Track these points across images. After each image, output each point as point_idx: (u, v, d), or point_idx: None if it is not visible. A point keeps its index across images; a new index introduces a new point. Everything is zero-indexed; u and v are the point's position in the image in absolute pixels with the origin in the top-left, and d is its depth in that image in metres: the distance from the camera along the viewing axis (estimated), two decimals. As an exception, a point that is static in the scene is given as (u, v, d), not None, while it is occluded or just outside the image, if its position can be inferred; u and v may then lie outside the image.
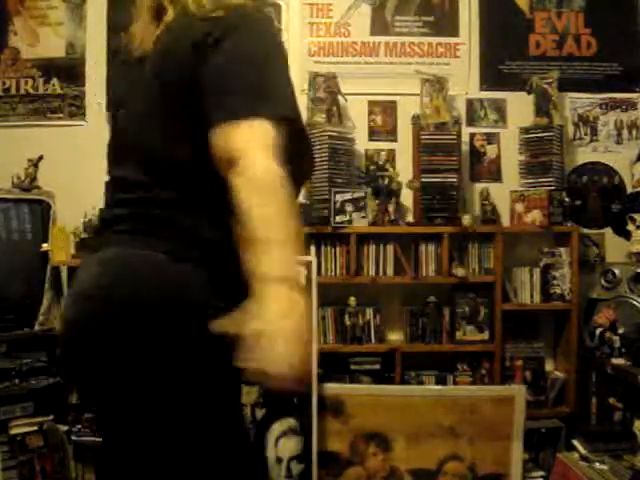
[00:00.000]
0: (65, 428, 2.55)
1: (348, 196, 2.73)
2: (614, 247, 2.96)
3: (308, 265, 2.36)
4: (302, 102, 2.85)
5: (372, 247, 2.77)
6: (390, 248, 2.77)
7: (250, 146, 0.93)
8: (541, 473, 2.60)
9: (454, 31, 3.00)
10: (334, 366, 2.70)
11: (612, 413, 2.57)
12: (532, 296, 2.80)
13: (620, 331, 2.56)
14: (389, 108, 2.99)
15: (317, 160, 2.76)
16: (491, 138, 3.01)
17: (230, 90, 0.98)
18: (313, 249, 2.70)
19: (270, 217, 0.91)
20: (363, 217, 2.74)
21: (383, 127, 2.99)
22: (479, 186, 2.97)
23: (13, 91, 2.96)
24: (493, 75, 3.01)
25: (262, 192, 0.92)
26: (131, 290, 1.01)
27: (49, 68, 2.96)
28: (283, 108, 0.99)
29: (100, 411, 1.14)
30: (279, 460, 2.33)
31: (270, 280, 0.89)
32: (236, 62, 1.00)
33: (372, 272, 2.76)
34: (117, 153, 1.19)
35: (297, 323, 0.89)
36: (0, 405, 2.46)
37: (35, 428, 2.48)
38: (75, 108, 2.96)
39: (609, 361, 2.52)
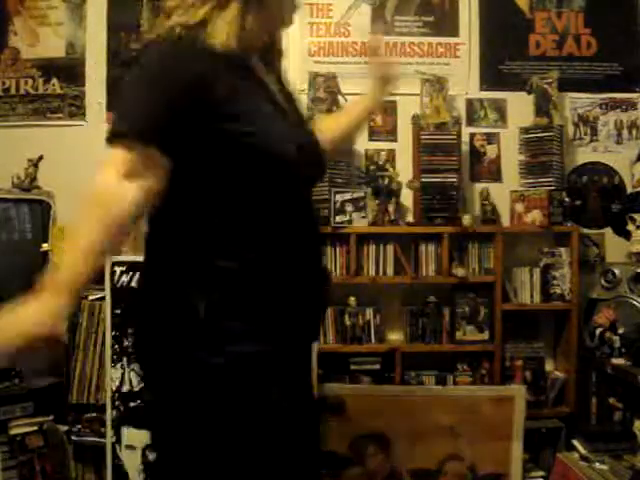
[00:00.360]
0: (65, 428, 2.55)
1: (348, 196, 2.73)
2: (614, 247, 2.96)
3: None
4: (302, 102, 2.86)
5: (372, 247, 2.77)
6: (390, 248, 2.77)
7: (101, 167, 1.06)
8: (541, 473, 2.60)
9: (454, 31, 3.00)
10: (334, 366, 2.70)
11: (612, 413, 2.57)
12: (532, 296, 2.80)
13: (620, 331, 2.56)
14: (389, 108, 2.98)
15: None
16: (491, 138, 3.01)
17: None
18: (313, 249, 2.70)
19: (78, 226, 1.02)
20: (363, 217, 2.74)
21: (383, 127, 2.99)
22: (479, 186, 2.97)
23: (13, 91, 2.96)
24: (493, 75, 3.01)
25: (84, 205, 1.04)
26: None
27: (49, 68, 2.96)
28: (125, 126, 1.05)
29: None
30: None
31: (48, 286, 1.00)
32: (122, 88, 1.12)
33: (372, 272, 2.76)
34: None
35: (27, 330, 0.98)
36: (0, 405, 2.46)
37: (35, 428, 2.48)
38: (75, 108, 2.96)
39: (609, 361, 2.52)
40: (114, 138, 1.04)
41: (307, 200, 1.26)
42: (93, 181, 1.02)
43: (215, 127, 1.09)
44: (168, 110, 1.05)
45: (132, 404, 2.38)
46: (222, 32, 1.10)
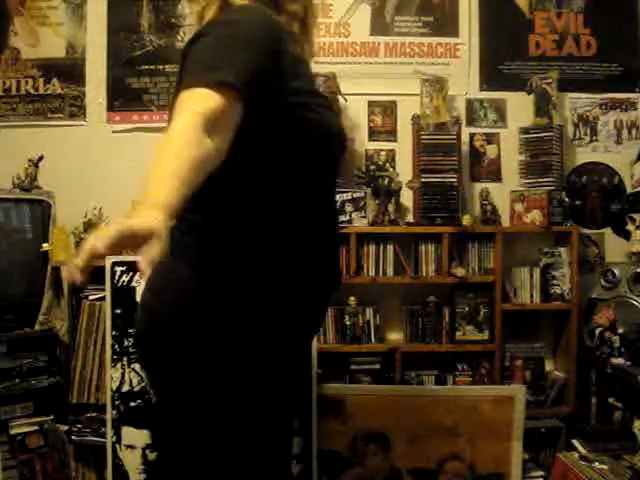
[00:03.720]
0: (65, 428, 2.55)
1: (348, 196, 2.73)
2: (614, 247, 2.96)
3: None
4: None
5: (372, 247, 2.77)
6: (390, 248, 2.77)
7: (180, 110, 0.94)
8: (541, 473, 2.60)
9: (454, 31, 3.01)
10: (334, 366, 2.70)
11: (612, 413, 2.57)
12: (532, 296, 2.80)
13: (620, 331, 2.57)
14: (389, 108, 2.99)
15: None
16: (491, 138, 3.01)
17: (189, 69, 1.02)
18: (313, 249, 2.70)
19: (161, 155, 0.89)
20: (363, 217, 2.74)
21: (383, 127, 2.99)
22: (479, 186, 2.97)
23: (13, 91, 2.97)
24: (493, 75, 3.01)
25: (165, 144, 0.90)
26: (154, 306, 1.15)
27: (49, 68, 2.96)
28: (229, 76, 0.96)
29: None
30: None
31: (145, 204, 0.85)
32: (203, 46, 1.03)
33: (372, 272, 2.77)
34: None
35: (136, 224, 0.81)
36: (0, 405, 2.46)
37: (35, 428, 2.48)
38: (75, 108, 2.96)
39: (609, 361, 2.52)
40: (206, 85, 0.94)
41: (331, 193, 1.30)
42: (171, 127, 0.91)
43: (281, 98, 1.09)
44: (260, 72, 1.02)
45: (132, 404, 2.38)
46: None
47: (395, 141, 2.98)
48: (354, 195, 2.73)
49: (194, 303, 1.09)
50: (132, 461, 2.37)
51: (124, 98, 2.95)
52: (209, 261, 1.11)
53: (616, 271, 2.73)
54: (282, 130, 1.10)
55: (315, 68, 2.88)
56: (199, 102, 0.92)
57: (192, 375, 1.10)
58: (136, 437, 2.36)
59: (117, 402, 2.38)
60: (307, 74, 1.22)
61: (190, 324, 1.09)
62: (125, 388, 2.38)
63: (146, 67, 2.95)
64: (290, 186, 1.14)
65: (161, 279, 1.10)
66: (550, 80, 2.87)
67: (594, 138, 3.03)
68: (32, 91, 2.96)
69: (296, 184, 1.15)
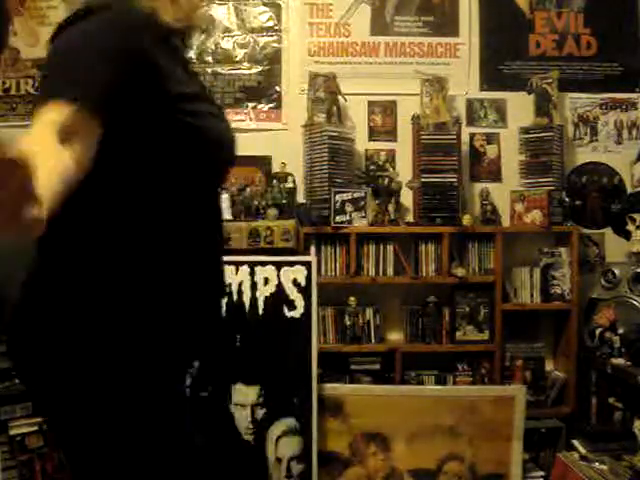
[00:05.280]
0: (65, 428, 2.54)
1: (348, 196, 2.73)
2: (614, 247, 2.96)
3: (308, 265, 2.36)
4: (302, 102, 2.86)
5: (372, 247, 2.77)
6: (390, 248, 2.77)
7: (37, 122, 0.92)
8: (541, 473, 2.60)
9: (454, 31, 3.00)
10: (334, 366, 2.70)
11: (612, 413, 2.57)
12: (532, 296, 2.80)
13: (620, 331, 2.56)
14: (389, 108, 2.99)
15: (317, 160, 2.77)
16: (491, 138, 3.01)
17: (49, 82, 1.03)
18: (313, 249, 2.70)
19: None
20: (363, 217, 2.74)
21: (383, 127, 2.99)
22: (479, 186, 2.97)
23: (13, 91, 2.97)
24: (493, 75, 3.01)
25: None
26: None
27: (49, 68, 2.96)
28: (84, 92, 0.96)
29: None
30: (279, 460, 2.33)
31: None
32: (63, 58, 1.03)
33: (372, 272, 2.76)
34: None
35: None
36: (0, 405, 2.46)
37: (35, 428, 2.48)
38: (75, 108, 2.96)
39: (609, 361, 2.52)
40: (61, 101, 0.94)
41: (216, 202, 1.27)
42: (28, 135, 0.88)
43: (155, 104, 1.06)
44: (118, 84, 1.00)
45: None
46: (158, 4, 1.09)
47: (395, 141, 2.98)
48: (354, 195, 2.73)
49: (67, 316, 1.06)
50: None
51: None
52: (81, 270, 1.08)
53: (616, 271, 2.73)
54: (159, 137, 1.08)
55: (315, 68, 2.91)
56: (54, 115, 0.92)
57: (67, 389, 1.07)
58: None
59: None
60: (187, 77, 1.15)
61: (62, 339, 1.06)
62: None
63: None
64: (168, 193, 1.11)
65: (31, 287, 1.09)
66: (550, 80, 2.87)
67: (594, 138, 3.03)
68: (32, 91, 2.96)
69: (175, 191, 1.12)
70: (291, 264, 2.35)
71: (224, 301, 1.34)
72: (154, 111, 1.05)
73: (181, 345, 1.15)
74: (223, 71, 2.96)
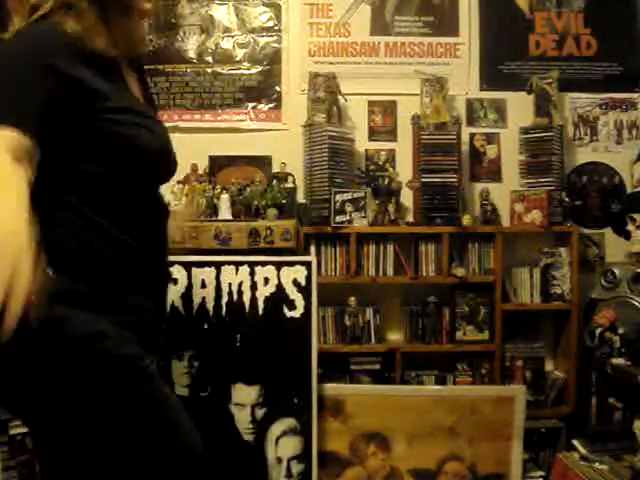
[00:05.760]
0: (65, 428, 2.54)
1: (348, 196, 2.73)
2: (614, 247, 2.96)
3: (308, 265, 2.36)
4: (302, 102, 2.86)
5: (372, 247, 2.77)
6: (390, 248, 2.77)
7: None
8: (541, 473, 2.61)
9: (454, 31, 3.01)
10: (334, 366, 2.70)
11: (612, 413, 2.57)
12: (532, 296, 2.81)
13: (620, 331, 2.56)
14: (389, 108, 2.99)
15: (317, 160, 2.76)
16: (491, 138, 3.01)
17: None
18: (313, 249, 2.70)
19: None
20: (363, 217, 2.74)
21: (383, 127, 2.99)
22: (479, 186, 2.97)
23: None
24: (493, 75, 3.01)
25: None
26: None
27: (49, 68, 2.96)
28: (11, 119, 1.03)
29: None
30: (279, 460, 2.33)
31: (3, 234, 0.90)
32: None
33: (372, 272, 2.77)
34: None
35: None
36: (0, 405, 2.45)
37: (35, 428, 2.48)
38: (75, 108, 2.96)
39: (609, 361, 2.52)
40: (4, 127, 1.01)
41: (157, 201, 1.35)
42: None
43: (83, 118, 1.14)
44: (46, 101, 1.08)
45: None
46: (79, 27, 1.16)
47: (395, 141, 2.98)
48: (354, 195, 2.73)
49: None
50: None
51: (124, 98, 2.95)
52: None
53: (616, 271, 2.73)
54: (93, 150, 1.17)
55: (315, 68, 2.91)
56: (3, 141, 1.00)
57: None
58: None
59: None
60: (118, 91, 1.23)
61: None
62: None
63: (146, 67, 2.94)
64: (105, 201, 1.19)
65: None
66: (550, 80, 2.87)
67: (594, 138, 3.03)
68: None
69: (111, 199, 1.20)
70: (291, 264, 2.35)
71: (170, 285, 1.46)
72: (76, 119, 1.13)
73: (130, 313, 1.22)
74: (223, 71, 2.96)
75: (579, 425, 2.63)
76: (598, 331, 2.62)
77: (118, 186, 1.20)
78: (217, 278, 2.29)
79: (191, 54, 2.95)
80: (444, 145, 2.79)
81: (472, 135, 2.99)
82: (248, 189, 2.77)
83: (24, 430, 2.46)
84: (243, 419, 2.28)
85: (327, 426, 2.46)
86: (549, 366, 2.90)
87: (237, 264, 2.32)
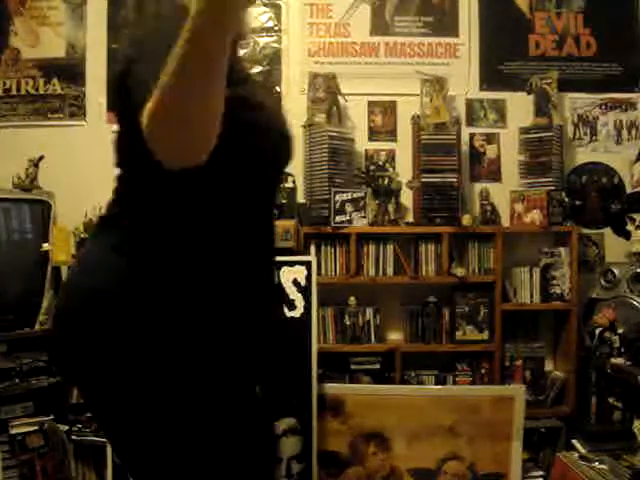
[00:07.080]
0: (65, 428, 2.55)
1: (348, 196, 2.73)
2: (614, 247, 2.96)
3: (308, 265, 2.36)
4: (302, 102, 2.86)
5: (372, 247, 2.77)
6: (390, 248, 2.78)
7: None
8: (541, 473, 2.61)
9: (454, 31, 3.01)
10: (334, 366, 2.70)
11: (612, 413, 2.57)
12: (532, 296, 2.81)
13: (620, 331, 2.56)
14: (389, 108, 2.99)
15: (317, 160, 2.77)
16: (491, 138, 3.01)
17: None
18: (313, 249, 2.70)
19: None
20: (363, 217, 2.74)
21: (383, 127, 2.99)
22: (479, 186, 2.97)
23: (14, 91, 2.97)
24: (493, 75, 3.01)
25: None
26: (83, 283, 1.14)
27: (49, 68, 2.96)
28: None
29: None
30: (279, 460, 2.33)
31: None
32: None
33: (372, 272, 2.77)
34: None
35: None
36: (0, 405, 2.46)
37: (35, 428, 2.48)
38: (75, 108, 2.97)
39: (609, 361, 2.52)
40: None
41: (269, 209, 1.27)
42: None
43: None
44: None
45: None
46: None
47: (395, 141, 2.98)
48: (354, 195, 2.73)
49: (126, 286, 1.08)
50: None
51: (124, 98, 2.95)
52: (143, 250, 1.11)
53: (616, 271, 2.73)
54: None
55: (315, 68, 2.91)
56: None
57: (120, 361, 1.07)
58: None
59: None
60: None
61: (120, 306, 1.07)
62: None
63: (146, 67, 2.94)
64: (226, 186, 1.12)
65: (95, 262, 1.13)
66: (550, 80, 2.87)
67: (594, 138, 3.04)
68: (32, 91, 2.96)
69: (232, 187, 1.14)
70: (291, 264, 2.35)
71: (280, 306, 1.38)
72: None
73: (239, 351, 1.21)
74: (223, 71, 2.96)
75: (579, 425, 2.63)
76: (598, 331, 2.62)
77: None
78: (217, 278, 2.29)
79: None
80: (444, 145, 2.79)
81: (472, 135, 2.99)
82: (248, 189, 2.76)
83: (24, 430, 2.47)
84: (243, 419, 2.28)
85: (327, 426, 2.46)
86: (549, 366, 2.90)
87: (237, 264, 2.32)
